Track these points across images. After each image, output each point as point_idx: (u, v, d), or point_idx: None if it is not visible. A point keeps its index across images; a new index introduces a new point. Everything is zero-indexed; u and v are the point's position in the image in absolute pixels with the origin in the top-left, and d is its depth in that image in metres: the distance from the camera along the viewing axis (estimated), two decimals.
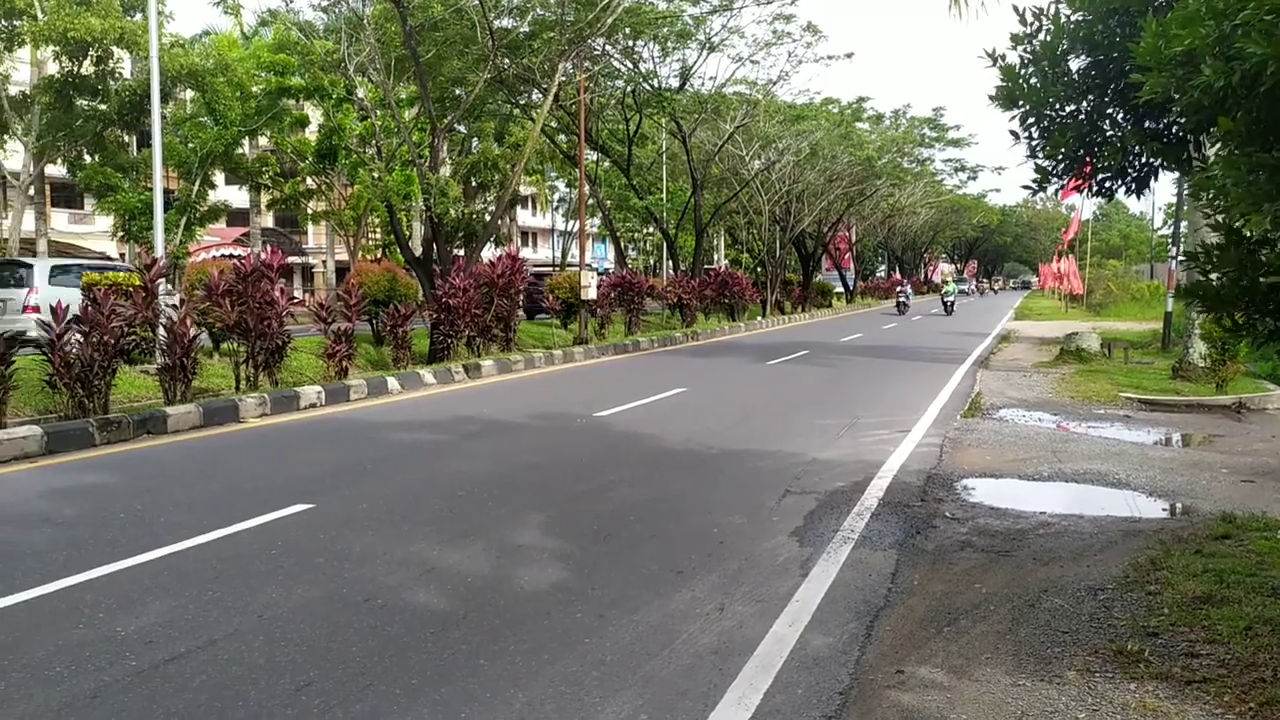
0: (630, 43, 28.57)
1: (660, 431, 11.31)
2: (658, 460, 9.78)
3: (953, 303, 45.17)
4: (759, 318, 38.14)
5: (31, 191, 30.30)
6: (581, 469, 9.34)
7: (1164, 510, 7.79)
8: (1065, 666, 4.49)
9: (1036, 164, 5.37)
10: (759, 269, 45.67)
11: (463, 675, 4.45)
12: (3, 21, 26.72)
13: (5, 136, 28.96)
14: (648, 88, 31.02)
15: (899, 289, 47.29)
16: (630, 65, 30.16)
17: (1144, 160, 5.22)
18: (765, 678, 4.44)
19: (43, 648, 4.70)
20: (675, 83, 32.33)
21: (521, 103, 29.74)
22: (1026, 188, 5.70)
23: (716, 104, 32.83)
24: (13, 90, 28.38)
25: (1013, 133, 5.40)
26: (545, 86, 23.86)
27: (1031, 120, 5.28)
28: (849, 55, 32.67)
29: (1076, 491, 8.40)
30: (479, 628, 5.04)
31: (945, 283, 49.40)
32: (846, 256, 64.54)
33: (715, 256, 57.46)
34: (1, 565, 5.95)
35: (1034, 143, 5.33)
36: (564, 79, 24.54)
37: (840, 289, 61.04)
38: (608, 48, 27.45)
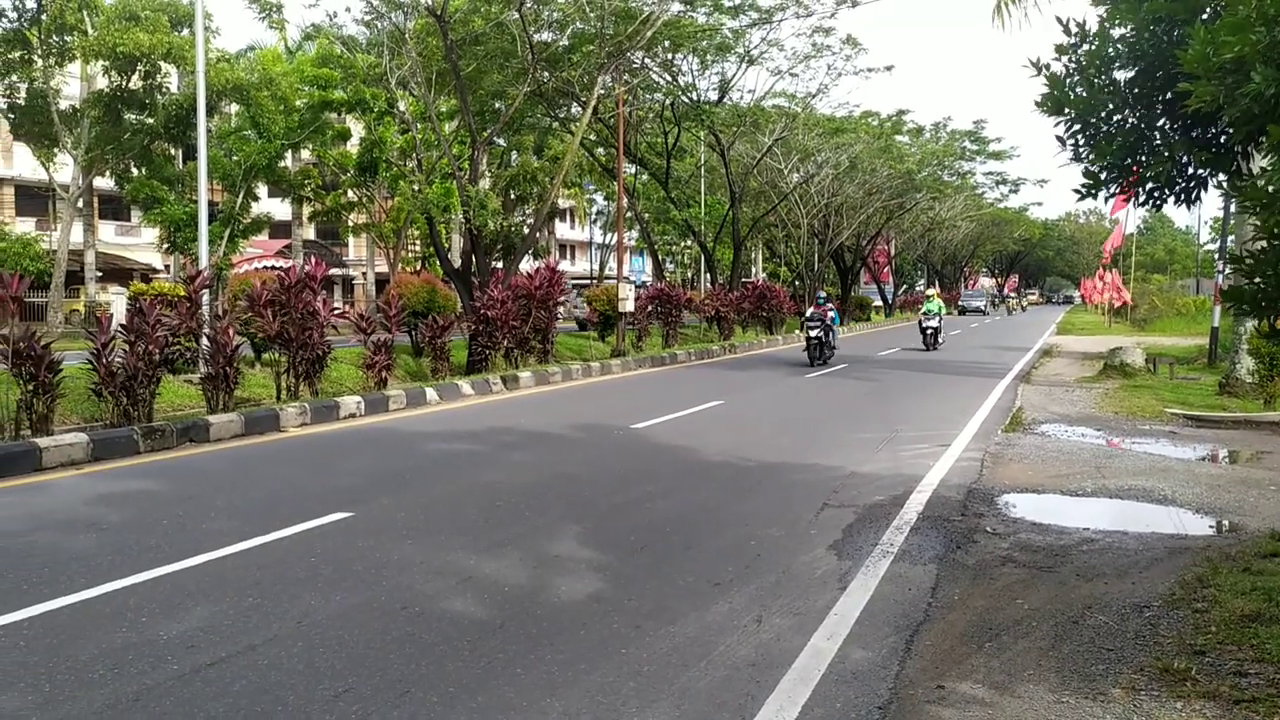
0: (669, 56, 28.64)
1: (697, 444, 11.28)
2: (695, 472, 9.75)
3: (935, 330, 29.40)
4: (797, 331, 37.97)
5: (80, 204, 30.92)
6: (618, 480, 9.33)
7: (1211, 527, 7.64)
8: (1110, 684, 4.41)
9: (1085, 169, 5.31)
10: (797, 282, 45.53)
11: (499, 684, 4.45)
12: (54, 37, 27.34)
13: (55, 150, 29.59)
14: (686, 101, 31.07)
15: (808, 318, 23.88)
16: (669, 78, 30.24)
17: (1192, 171, 5.15)
18: (803, 691, 4.40)
19: (87, 651, 4.76)
20: (714, 96, 32.38)
21: (561, 116, 29.92)
22: (1076, 191, 5.64)
23: (755, 117, 32.83)
24: (63, 104, 28.99)
25: (1059, 138, 5.34)
26: (584, 100, 24.00)
27: (1078, 128, 5.22)
28: (889, 68, 32.56)
29: (1121, 508, 8.27)
30: (516, 637, 5.04)
31: (928, 298, 31.61)
32: (885, 270, 64.26)
33: (753, 269, 57.40)
34: (48, 569, 6.04)
35: (1080, 149, 5.27)
36: (603, 92, 24.65)
37: (879, 303, 60.69)
38: (647, 61, 27.54)
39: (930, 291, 33.59)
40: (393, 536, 6.95)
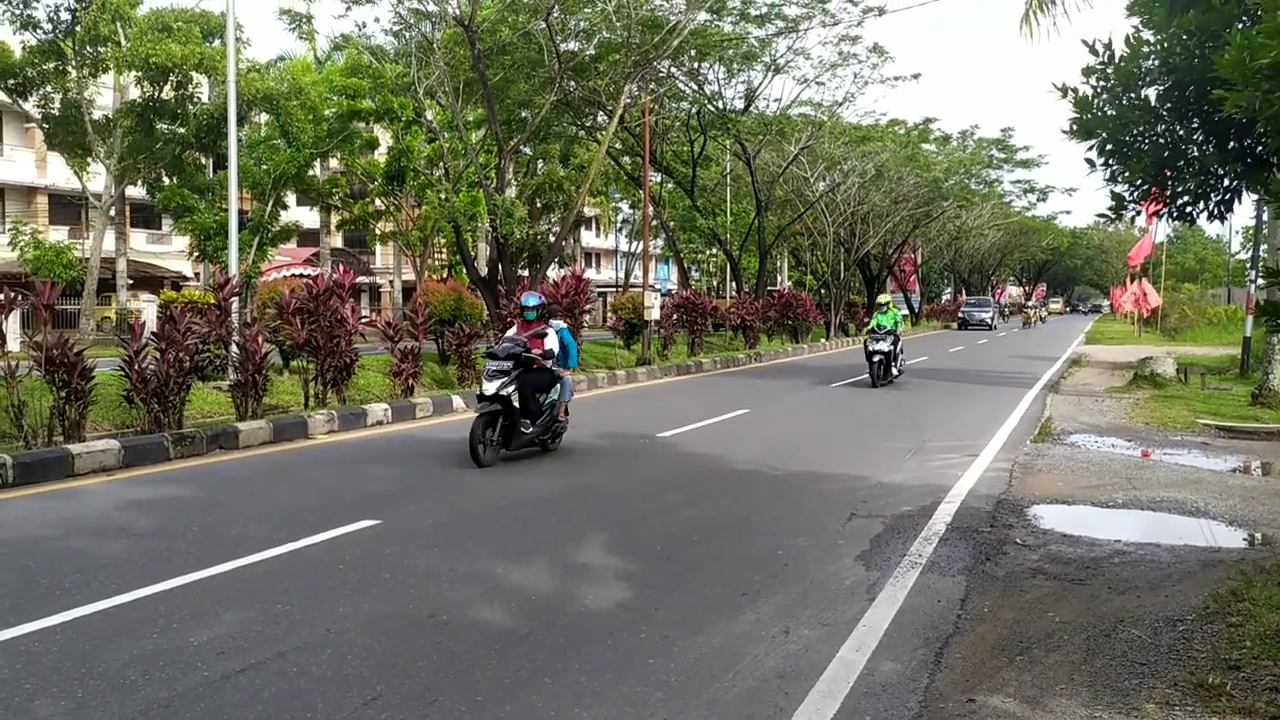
0: (696, 65, 28.66)
1: (723, 453, 11.26)
2: (721, 481, 9.73)
3: (886, 356, 19.89)
4: (822, 340, 37.87)
5: (112, 212, 31.27)
6: (644, 489, 9.33)
7: (1244, 540, 7.55)
8: (1143, 699, 4.35)
9: (1112, 191, 5.27)
10: (823, 291, 45.38)
11: (527, 693, 4.45)
12: (88, 48, 27.70)
13: (88, 159, 29.95)
14: (712, 109, 31.08)
15: (487, 353, 12.25)
16: (695, 87, 30.26)
17: (1227, 183, 5.10)
18: (832, 703, 4.38)
19: (118, 656, 4.80)
20: (740, 104, 32.34)
21: (587, 125, 30.02)
22: (1101, 215, 5.61)
23: (781, 125, 32.78)
24: (96, 114, 29.34)
25: (1088, 160, 5.30)
26: (610, 109, 24.06)
27: (1109, 148, 5.18)
28: (916, 76, 32.53)
29: (1153, 520, 8.18)
30: (543, 646, 5.04)
31: (879, 308, 21.27)
32: (912, 279, 63.88)
33: (779, 278, 57.22)
34: (81, 575, 6.10)
35: (1112, 168, 5.22)
36: (629, 101, 24.70)
37: (905, 311, 60.35)
38: (673, 70, 27.58)
39: (883, 299, 22.93)
40: (420, 544, 6.97)
